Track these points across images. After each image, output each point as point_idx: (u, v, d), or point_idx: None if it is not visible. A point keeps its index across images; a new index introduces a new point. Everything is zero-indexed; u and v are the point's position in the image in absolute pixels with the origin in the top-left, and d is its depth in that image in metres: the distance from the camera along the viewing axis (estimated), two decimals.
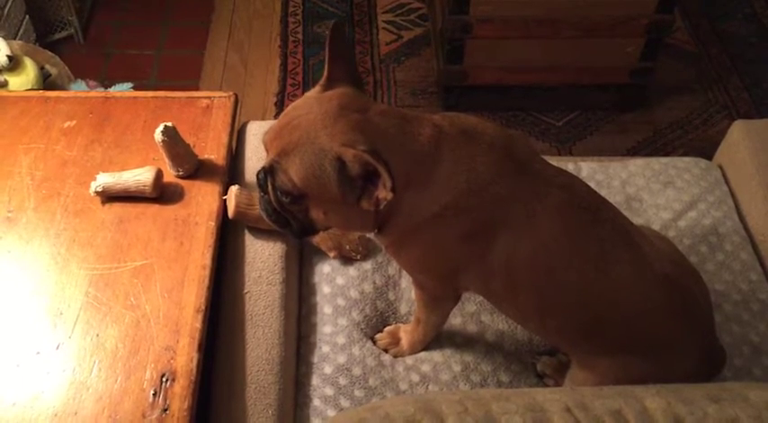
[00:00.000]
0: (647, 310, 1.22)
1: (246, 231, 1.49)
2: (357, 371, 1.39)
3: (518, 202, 1.14)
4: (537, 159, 1.20)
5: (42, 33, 2.79)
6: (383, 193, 1.04)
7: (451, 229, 1.16)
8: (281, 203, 1.15)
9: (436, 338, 1.45)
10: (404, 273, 1.53)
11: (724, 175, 1.74)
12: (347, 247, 1.54)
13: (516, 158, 1.16)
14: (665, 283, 1.23)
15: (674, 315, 1.24)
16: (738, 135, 1.72)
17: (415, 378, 1.40)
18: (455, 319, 1.48)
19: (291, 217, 1.17)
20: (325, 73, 1.16)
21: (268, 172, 1.14)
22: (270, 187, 1.15)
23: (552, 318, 1.27)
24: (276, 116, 2.64)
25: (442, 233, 1.17)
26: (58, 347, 1.26)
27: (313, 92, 1.16)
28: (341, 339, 1.44)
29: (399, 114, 1.14)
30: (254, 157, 1.61)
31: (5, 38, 2.21)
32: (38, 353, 1.25)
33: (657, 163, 1.75)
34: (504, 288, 1.23)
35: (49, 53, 2.40)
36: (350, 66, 1.17)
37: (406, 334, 1.45)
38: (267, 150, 1.16)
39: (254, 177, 1.56)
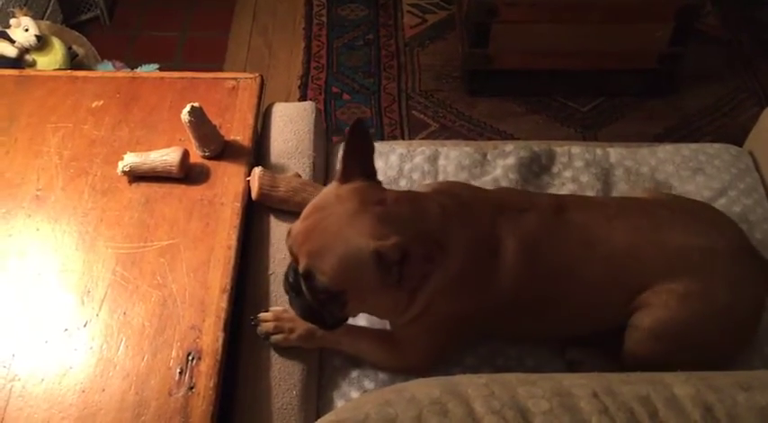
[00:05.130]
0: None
1: (272, 213, 1.49)
2: None
3: (504, 240, 1.27)
4: (493, 195, 1.40)
5: (69, 14, 2.80)
6: (429, 267, 1.18)
7: (467, 284, 1.26)
8: (319, 302, 1.20)
9: None
10: None
11: (755, 162, 1.72)
12: None
13: (490, 204, 1.32)
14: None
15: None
16: None
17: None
18: None
19: (328, 313, 1.23)
20: (341, 168, 1.24)
21: (305, 277, 1.18)
22: (306, 289, 1.19)
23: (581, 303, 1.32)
24: (300, 99, 2.64)
25: (461, 290, 1.26)
26: (85, 325, 1.27)
27: (330, 187, 1.24)
28: (364, 321, 1.43)
29: (411, 199, 1.25)
30: (280, 139, 1.61)
31: (33, 18, 2.22)
32: (66, 330, 1.27)
33: (687, 149, 1.73)
34: (515, 315, 1.31)
35: (76, 34, 2.42)
36: (366, 159, 1.25)
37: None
38: (295, 254, 1.20)
39: (280, 159, 1.57)
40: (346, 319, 1.28)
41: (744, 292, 1.32)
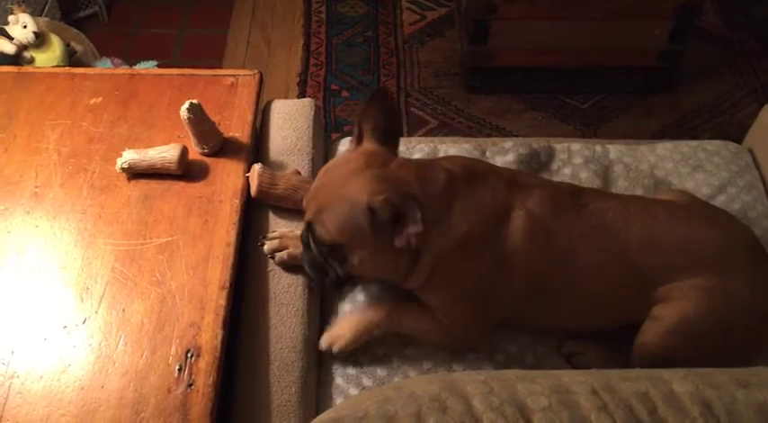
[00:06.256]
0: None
1: (271, 210, 1.49)
2: (379, 350, 1.39)
3: (514, 210, 1.30)
4: (507, 172, 1.42)
5: (67, 11, 2.80)
6: (414, 228, 1.16)
7: (474, 250, 1.28)
8: (322, 255, 1.28)
9: None
10: None
11: (754, 159, 1.72)
12: None
13: (503, 178, 1.35)
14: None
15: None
16: None
17: (441, 356, 1.39)
18: None
19: (331, 268, 1.29)
20: (355, 132, 1.32)
21: (308, 228, 1.28)
22: (311, 242, 1.28)
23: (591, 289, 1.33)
24: (299, 96, 2.64)
25: (468, 257, 1.28)
26: (84, 322, 1.27)
27: (345, 151, 1.33)
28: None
29: (417, 164, 1.31)
30: (279, 136, 1.61)
31: (31, 15, 2.21)
32: (65, 327, 1.27)
33: (686, 146, 1.73)
34: (532, 294, 1.32)
35: (75, 31, 2.41)
36: (387, 126, 1.31)
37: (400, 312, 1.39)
38: (305, 209, 1.30)
39: (279, 156, 1.57)
40: (349, 279, 1.32)
41: (762, 291, 1.31)
